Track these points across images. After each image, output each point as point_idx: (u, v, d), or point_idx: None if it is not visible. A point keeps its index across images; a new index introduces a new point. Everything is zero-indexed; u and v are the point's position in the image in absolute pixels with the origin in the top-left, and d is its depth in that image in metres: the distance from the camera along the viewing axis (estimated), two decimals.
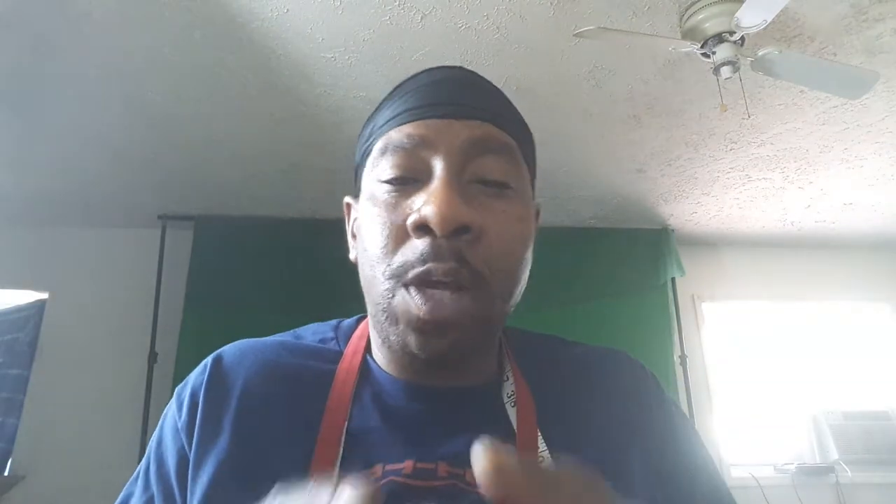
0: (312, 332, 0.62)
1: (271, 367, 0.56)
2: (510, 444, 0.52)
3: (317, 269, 2.90)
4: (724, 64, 1.92)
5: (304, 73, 2.24)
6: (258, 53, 2.12)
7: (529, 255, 0.55)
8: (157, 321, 3.16)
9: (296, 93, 2.35)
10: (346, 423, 0.52)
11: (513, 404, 0.55)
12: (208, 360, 0.58)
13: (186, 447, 0.53)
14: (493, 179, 0.52)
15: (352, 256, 0.58)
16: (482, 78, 0.58)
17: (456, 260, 0.48)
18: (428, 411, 0.54)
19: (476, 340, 0.51)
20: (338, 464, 0.49)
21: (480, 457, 0.33)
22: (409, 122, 0.53)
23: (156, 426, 0.59)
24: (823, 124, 2.64)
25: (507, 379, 0.57)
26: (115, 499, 0.56)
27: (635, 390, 0.60)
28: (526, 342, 0.62)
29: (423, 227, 0.48)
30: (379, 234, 0.51)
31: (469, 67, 0.59)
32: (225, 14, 1.94)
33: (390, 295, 0.50)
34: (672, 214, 3.51)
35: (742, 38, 1.93)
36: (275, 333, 0.62)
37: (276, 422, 0.53)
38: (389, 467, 0.49)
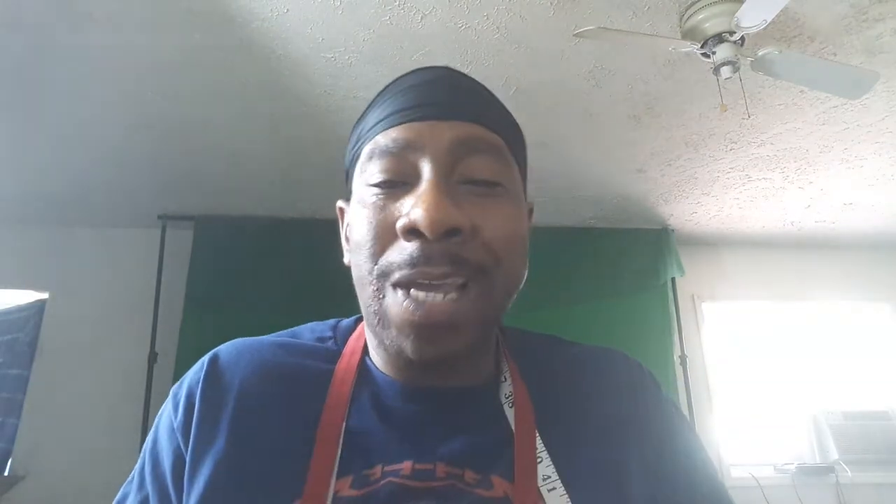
0: (310, 331, 0.61)
1: (269, 366, 0.56)
2: (508, 444, 0.52)
3: (317, 269, 2.88)
4: (724, 64, 1.92)
5: (304, 73, 2.24)
6: (258, 53, 2.12)
7: (526, 254, 0.55)
8: (157, 321, 3.16)
9: (296, 93, 2.35)
10: (345, 423, 0.52)
11: (511, 405, 0.54)
12: (204, 359, 0.57)
13: (182, 447, 0.53)
14: (482, 179, 0.51)
15: (346, 260, 0.58)
16: (468, 78, 0.57)
17: (450, 262, 0.48)
18: (426, 412, 0.53)
19: (473, 342, 0.51)
20: (336, 464, 0.49)
21: None
22: (394, 125, 0.52)
23: None
24: (823, 124, 2.64)
25: (505, 379, 0.57)
26: (115, 499, 0.56)
27: (633, 390, 0.60)
28: (524, 342, 0.62)
29: (412, 231, 0.48)
30: (367, 236, 0.50)
31: (469, 67, 0.60)
32: (225, 14, 1.94)
33: (380, 296, 0.50)
34: (672, 214, 3.51)
35: (742, 38, 1.93)
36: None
37: (273, 422, 0.53)
38: (388, 468, 0.49)
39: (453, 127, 0.52)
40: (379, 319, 0.50)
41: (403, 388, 0.54)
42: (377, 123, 0.54)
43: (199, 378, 0.56)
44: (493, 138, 0.53)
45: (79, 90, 2.31)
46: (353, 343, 0.59)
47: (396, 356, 0.51)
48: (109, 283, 3.33)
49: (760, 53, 1.97)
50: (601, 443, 0.55)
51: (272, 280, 3.19)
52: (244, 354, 0.57)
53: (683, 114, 2.56)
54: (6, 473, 3.01)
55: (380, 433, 0.52)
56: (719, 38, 1.91)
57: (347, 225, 0.57)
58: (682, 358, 3.45)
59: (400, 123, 0.52)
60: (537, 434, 0.53)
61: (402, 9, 1.93)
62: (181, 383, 0.57)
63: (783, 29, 2.04)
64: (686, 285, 3.64)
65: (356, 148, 0.57)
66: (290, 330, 0.62)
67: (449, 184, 0.50)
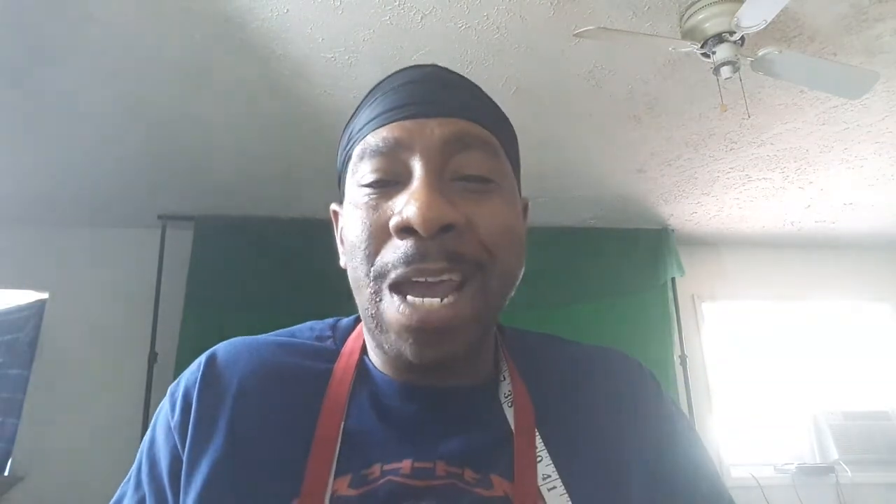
0: (309, 329, 0.61)
1: (267, 365, 0.56)
2: (508, 443, 0.52)
3: (317, 269, 2.88)
4: (724, 64, 1.92)
5: (304, 73, 2.24)
6: (258, 53, 2.12)
7: (523, 250, 0.55)
8: (157, 321, 3.16)
9: (296, 93, 2.35)
10: (343, 422, 0.52)
11: (510, 404, 0.54)
12: (202, 358, 0.57)
13: (180, 447, 0.53)
14: (473, 175, 0.51)
15: (341, 263, 0.58)
16: (456, 74, 0.57)
17: (446, 258, 0.48)
18: (425, 411, 0.53)
19: (472, 342, 0.50)
20: (334, 463, 0.49)
21: None
22: (384, 124, 0.52)
23: None
24: (823, 124, 2.64)
25: (504, 379, 0.57)
26: (112, 498, 0.56)
27: (633, 389, 0.60)
28: (523, 342, 0.62)
29: (406, 229, 0.48)
30: (361, 236, 0.50)
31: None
32: (225, 14, 1.94)
33: (377, 298, 0.49)
34: (672, 214, 3.51)
35: (742, 38, 1.93)
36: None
37: (271, 421, 0.53)
38: (387, 467, 0.49)
39: (443, 124, 0.52)
40: (377, 324, 0.50)
41: (402, 388, 0.54)
42: (367, 124, 0.54)
43: (196, 377, 0.55)
44: (483, 134, 0.53)
45: (78, 90, 2.31)
46: (351, 342, 0.58)
47: (396, 359, 0.51)
48: (109, 283, 3.33)
49: (760, 53, 1.97)
50: (601, 442, 0.55)
51: (272, 280, 3.19)
52: (242, 353, 0.57)
53: (683, 114, 2.56)
54: (6, 473, 3.01)
55: (379, 432, 0.52)
56: (719, 38, 1.91)
57: (342, 227, 0.57)
58: (682, 358, 3.45)
59: (389, 122, 0.52)
60: (537, 433, 0.53)
61: (402, 9, 1.93)
62: (178, 382, 0.57)
63: (783, 29, 2.04)
64: (686, 285, 3.64)
65: (347, 150, 0.57)
66: (288, 329, 0.62)
67: (441, 181, 0.50)
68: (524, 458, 0.50)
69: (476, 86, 0.58)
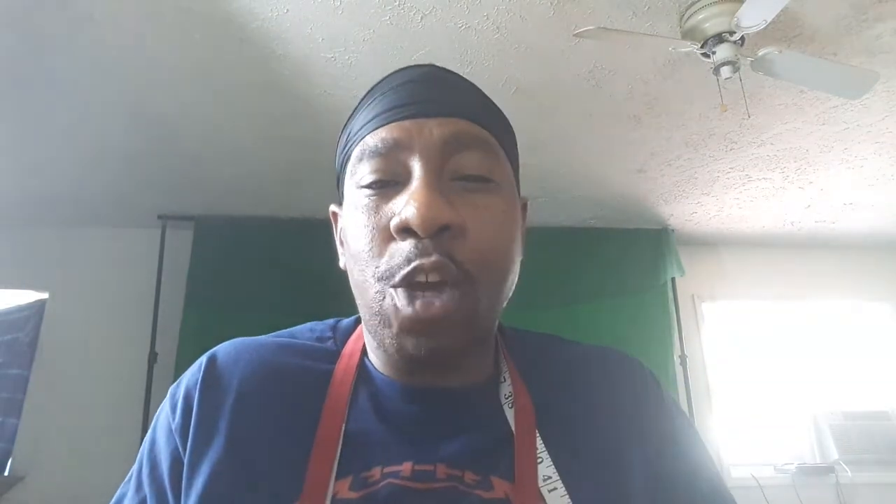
0: (310, 330, 0.61)
1: (267, 366, 0.56)
2: (508, 445, 0.52)
3: (317, 269, 2.88)
4: (724, 64, 1.92)
5: (304, 73, 2.24)
6: (258, 53, 2.12)
7: (517, 249, 0.55)
8: (157, 321, 3.16)
9: (296, 93, 2.35)
10: (344, 424, 0.51)
11: (510, 405, 0.54)
12: (202, 359, 0.57)
13: (181, 449, 0.53)
14: (472, 174, 0.51)
15: (341, 264, 0.58)
16: (455, 74, 0.57)
17: (445, 257, 0.48)
18: (426, 412, 0.53)
19: (469, 337, 0.51)
20: (335, 465, 0.49)
21: None
22: (382, 125, 0.52)
23: None
24: (823, 124, 2.64)
25: (505, 380, 0.56)
26: (112, 499, 0.56)
27: (634, 389, 0.60)
28: (523, 342, 0.62)
29: (406, 230, 0.48)
30: (364, 238, 0.50)
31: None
32: (225, 14, 1.94)
33: (381, 297, 0.49)
34: (672, 214, 3.50)
35: (742, 38, 1.93)
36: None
37: (272, 423, 0.52)
38: (388, 469, 0.49)
39: (442, 124, 0.52)
40: (380, 320, 0.50)
41: (403, 389, 0.54)
42: (365, 125, 0.54)
43: (196, 379, 0.55)
44: (482, 134, 0.53)
45: (78, 90, 2.30)
46: (352, 344, 0.58)
47: (397, 355, 0.51)
48: (109, 283, 3.33)
49: (760, 53, 1.97)
50: (602, 442, 0.55)
51: (272, 280, 3.19)
52: (243, 354, 0.57)
53: (683, 114, 2.56)
54: (6, 473, 3.01)
55: (379, 434, 0.52)
56: (719, 38, 1.91)
57: (341, 228, 0.57)
58: (682, 358, 3.45)
59: (388, 123, 0.52)
60: (537, 434, 0.52)
61: (402, 9, 1.93)
62: (179, 384, 0.57)
63: (783, 29, 2.04)
64: (686, 285, 3.64)
65: (345, 151, 0.56)
66: (289, 330, 0.61)
67: (441, 181, 0.50)
68: (525, 459, 0.50)
69: (474, 85, 0.58)
